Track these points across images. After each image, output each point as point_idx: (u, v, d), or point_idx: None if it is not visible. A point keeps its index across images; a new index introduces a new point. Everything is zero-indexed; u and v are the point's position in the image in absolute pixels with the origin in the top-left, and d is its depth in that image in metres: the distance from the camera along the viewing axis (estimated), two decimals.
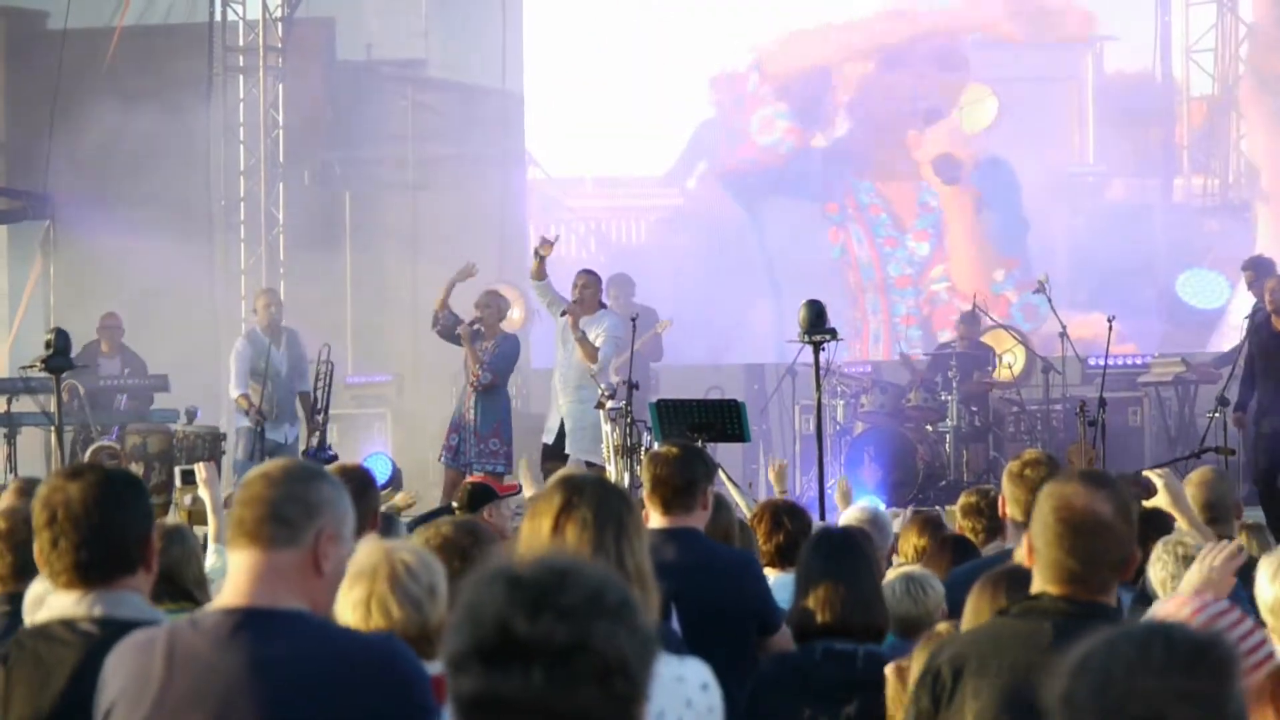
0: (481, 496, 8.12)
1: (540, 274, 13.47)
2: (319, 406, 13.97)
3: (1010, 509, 5.94)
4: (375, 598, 4.09)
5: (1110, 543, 3.85)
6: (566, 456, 13.42)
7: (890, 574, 5.90)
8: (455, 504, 8.37)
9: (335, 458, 13.76)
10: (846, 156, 18.59)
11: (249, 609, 3.29)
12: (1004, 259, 18.03)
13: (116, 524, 3.72)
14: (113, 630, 3.57)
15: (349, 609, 4.06)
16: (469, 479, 8.78)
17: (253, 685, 3.23)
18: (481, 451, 13.40)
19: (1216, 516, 6.80)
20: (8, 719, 3.72)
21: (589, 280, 13.41)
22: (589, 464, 13.04)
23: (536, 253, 13.42)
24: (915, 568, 5.98)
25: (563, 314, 13.29)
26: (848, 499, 9.42)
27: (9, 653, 3.76)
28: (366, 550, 4.21)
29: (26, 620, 4.52)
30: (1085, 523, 3.83)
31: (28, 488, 6.29)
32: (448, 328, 13.63)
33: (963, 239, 18.23)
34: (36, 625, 3.81)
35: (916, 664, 4.30)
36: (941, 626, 4.73)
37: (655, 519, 5.89)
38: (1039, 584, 3.88)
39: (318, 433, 13.93)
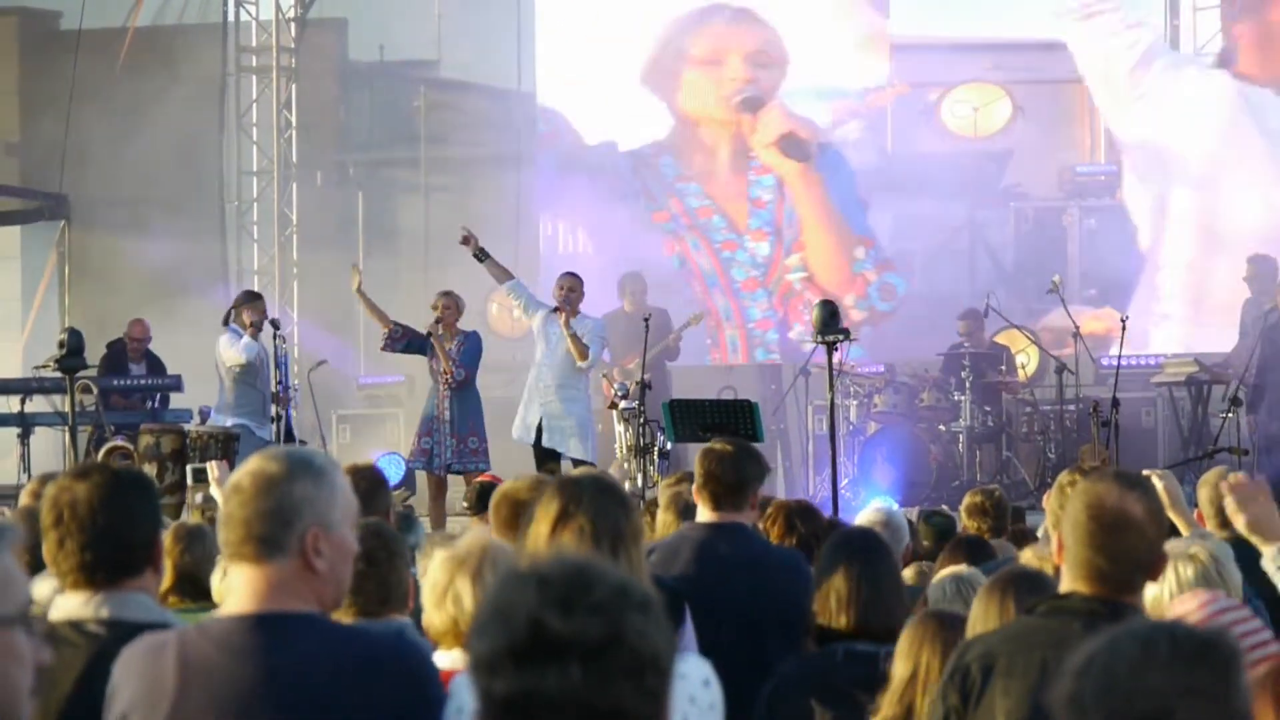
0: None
1: (504, 275, 13.45)
2: (280, 382, 13.88)
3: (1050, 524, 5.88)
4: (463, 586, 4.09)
5: (1140, 543, 3.86)
6: (553, 454, 13.23)
7: (940, 574, 5.88)
8: (465, 503, 8.34)
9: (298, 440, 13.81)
10: (673, 159, 18.53)
11: (258, 614, 3.28)
12: (859, 237, 18.10)
13: (124, 524, 3.69)
14: (120, 632, 3.56)
15: (449, 598, 4.07)
16: (479, 478, 8.73)
17: (268, 692, 3.22)
18: (462, 451, 13.37)
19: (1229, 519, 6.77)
20: None
21: (575, 283, 13.33)
22: (577, 462, 12.95)
23: (477, 255, 13.38)
24: (963, 568, 5.95)
25: (554, 310, 13.18)
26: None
27: None
28: (471, 538, 4.21)
29: None
30: (1116, 522, 3.83)
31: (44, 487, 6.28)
32: (397, 339, 13.54)
33: (817, 222, 18.22)
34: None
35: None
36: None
37: (705, 514, 5.90)
38: (1068, 583, 3.90)
39: (284, 408, 13.81)
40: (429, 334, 13.38)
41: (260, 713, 3.23)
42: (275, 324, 13.96)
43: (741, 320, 18.27)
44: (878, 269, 18.04)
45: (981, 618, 4.36)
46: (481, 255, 13.40)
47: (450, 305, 13.46)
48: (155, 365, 15.75)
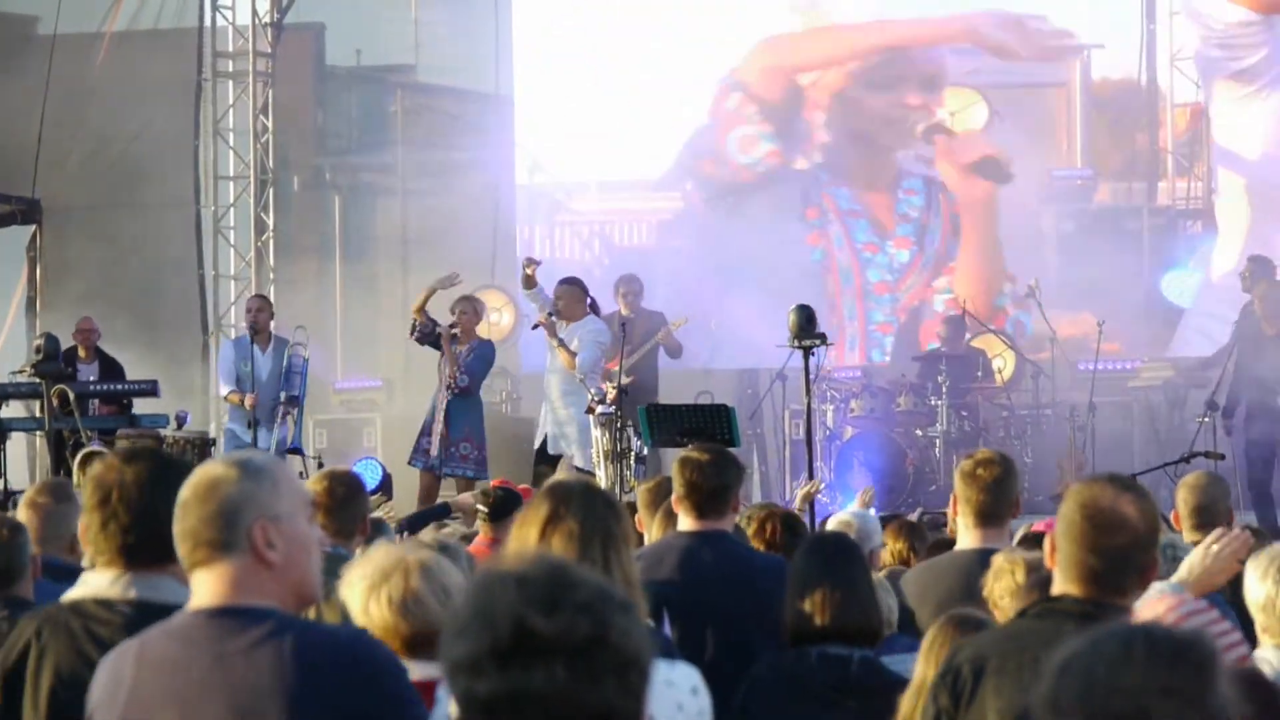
0: (511, 504, 7.69)
1: (531, 284, 13.61)
2: (292, 394, 13.96)
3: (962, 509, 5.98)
4: (412, 594, 4.07)
5: (1134, 545, 3.89)
6: (556, 459, 13.43)
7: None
8: (481, 507, 8.15)
9: (298, 449, 13.91)
10: (826, 171, 18.66)
11: (215, 608, 3.32)
12: (1008, 273, 18.09)
13: (168, 511, 3.67)
14: (147, 613, 3.60)
15: (382, 605, 4.06)
16: (493, 483, 8.58)
17: (217, 679, 3.25)
18: (451, 456, 13.44)
19: (1206, 522, 6.79)
20: (37, 691, 3.75)
21: (563, 291, 13.43)
22: (578, 469, 13.04)
23: (525, 269, 13.56)
24: (876, 575, 6.02)
25: (534, 327, 13.36)
26: (871, 506, 9.30)
27: (41, 627, 3.80)
28: (386, 550, 4.22)
29: None
30: (1111, 523, 3.87)
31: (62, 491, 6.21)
32: (426, 334, 13.70)
33: (978, 250, 18.21)
34: (70, 601, 3.83)
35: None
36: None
37: (687, 522, 5.92)
38: (1060, 585, 3.93)
39: (290, 421, 13.94)
40: (438, 334, 13.50)
41: (209, 701, 3.25)
42: (253, 330, 14.06)
43: (864, 322, 18.27)
44: (1016, 305, 17.96)
45: (929, 653, 4.46)
46: (531, 284, 13.51)
47: (468, 311, 13.55)
48: (108, 363, 15.64)
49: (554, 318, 13.35)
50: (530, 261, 13.56)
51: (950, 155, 18.19)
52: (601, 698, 2.30)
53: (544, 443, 13.60)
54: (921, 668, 4.56)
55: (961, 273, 18.18)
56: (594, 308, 13.53)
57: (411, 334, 13.87)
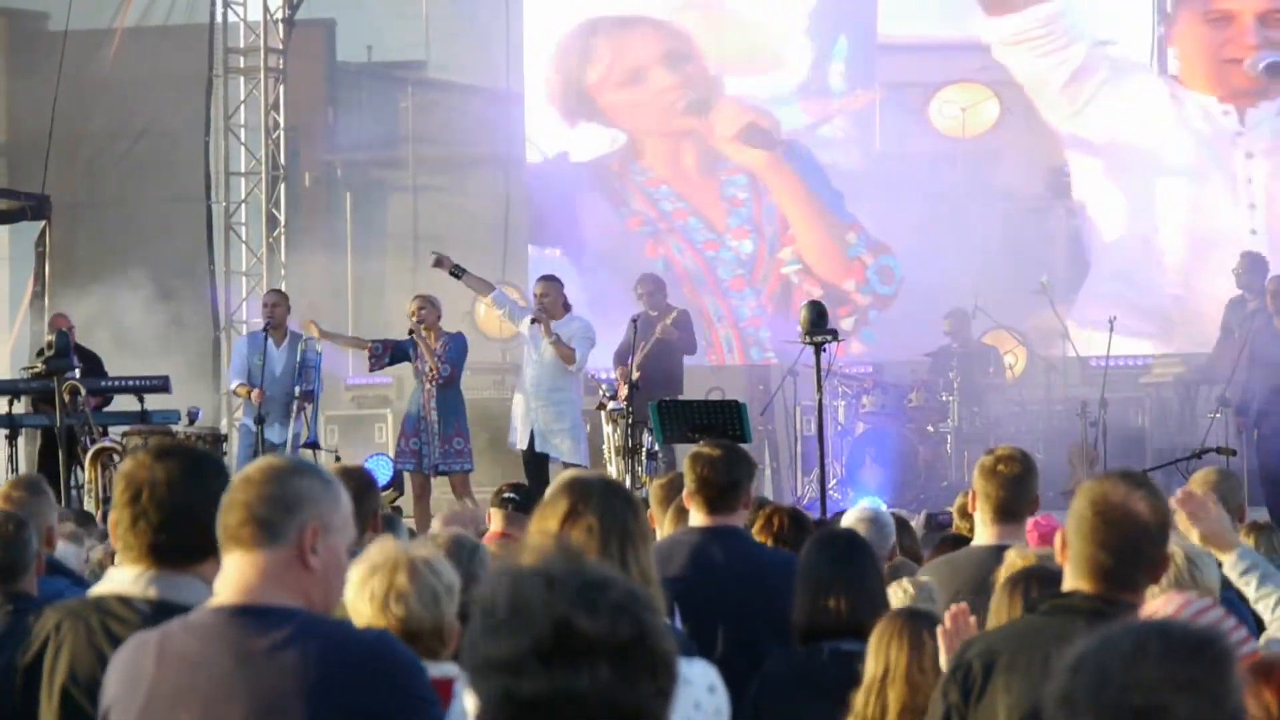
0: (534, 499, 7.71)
1: (484, 287, 13.64)
2: (307, 390, 14.01)
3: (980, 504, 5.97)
4: (394, 591, 4.08)
5: (1144, 541, 3.89)
6: (546, 458, 13.31)
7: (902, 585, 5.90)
8: (509, 495, 8.12)
9: (315, 444, 13.93)
10: (642, 173, 18.58)
11: (239, 605, 3.31)
12: (847, 224, 18.12)
13: (199, 509, 3.64)
14: (165, 613, 3.58)
15: (365, 601, 4.06)
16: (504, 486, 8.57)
17: (239, 679, 3.24)
18: (447, 453, 13.43)
19: None
20: (52, 684, 3.75)
21: (547, 288, 13.40)
22: (568, 464, 12.97)
23: (453, 273, 13.58)
24: (925, 578, 6.00)
25: (533, 321, 13.30)
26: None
27: (61, 621, 3.79)
28: (382, 547, 4.22)
29: None
30: (1121, 519, 3.87)
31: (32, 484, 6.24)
32: (378, 355, 13.72)
33: (800, 212, 18.20)
34: (94, 596, 3.82)
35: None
36: None
37: (698, 518, 5.91)
38: (1070, 581, 3.93)
39: (302, 418, 13.99)
40: (411, 333, 13.48)
41: (231, 699, 3.24)
42: (270, 325, 14.12)
43: (733, 320, 18.23)
44: (872, 252, 17.97)
45: (876, 651, 4.49)
46: (458, 272, 13.55)
47: (425, 307, 13.56)
48: (87, 358, 15.56)
49: (542, 313, 13.31)
50: (436, 259, 13.60)
51: (715, 130, 18.20)
52: (639, 698, 2.29)
53: (531, 440, 13.44)
54: (872, 664, 4.55)
55: (799, 239, 18.23)
56: (566, 305, 13.50)
57: (372, 369, 14.01)
